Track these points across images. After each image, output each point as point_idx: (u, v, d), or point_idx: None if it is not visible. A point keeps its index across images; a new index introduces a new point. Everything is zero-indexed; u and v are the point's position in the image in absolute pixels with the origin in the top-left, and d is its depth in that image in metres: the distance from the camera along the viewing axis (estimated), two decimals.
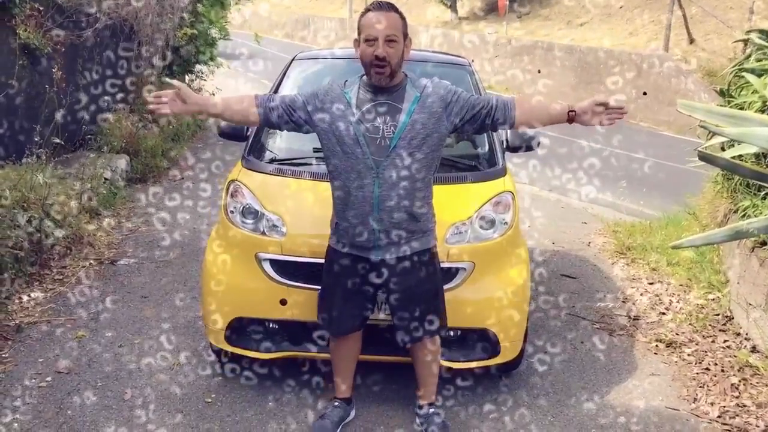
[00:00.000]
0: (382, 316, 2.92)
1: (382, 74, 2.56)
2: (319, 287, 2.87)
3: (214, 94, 10.10)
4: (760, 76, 4.19)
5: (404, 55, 2.61)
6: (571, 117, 2.58)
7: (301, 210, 3.14)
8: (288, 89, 3.84)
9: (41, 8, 5.72)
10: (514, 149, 3.68)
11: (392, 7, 2.59)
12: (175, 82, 2.60)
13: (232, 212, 3.19)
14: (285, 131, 2.87)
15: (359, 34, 2.60)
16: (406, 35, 2.61)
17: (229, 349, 3.15)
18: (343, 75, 2.73)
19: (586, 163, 8.64)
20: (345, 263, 2.72)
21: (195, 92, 2.64)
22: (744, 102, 4.38)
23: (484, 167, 3.47)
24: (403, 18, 2.60)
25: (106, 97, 7.21)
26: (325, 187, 2.84)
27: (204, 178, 7.17)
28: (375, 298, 2.80)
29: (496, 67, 17.11)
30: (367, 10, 2.60)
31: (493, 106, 2.63)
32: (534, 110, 2.64)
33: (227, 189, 3.30)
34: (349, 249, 2.70)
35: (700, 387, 3.41)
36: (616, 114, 2.55)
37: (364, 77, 2.68)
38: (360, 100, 2.63)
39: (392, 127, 2.58)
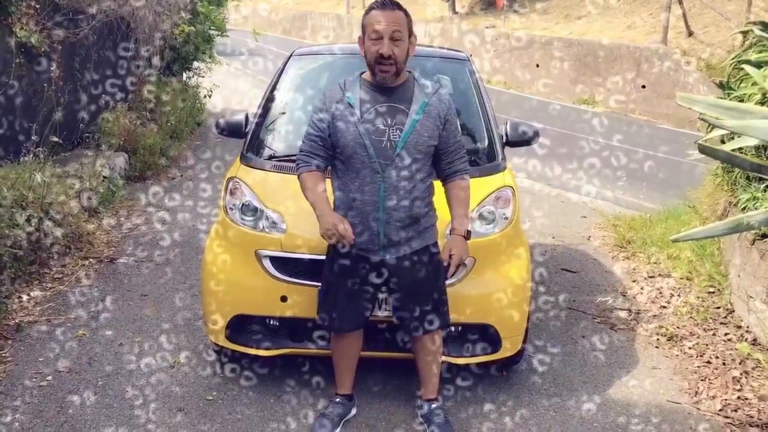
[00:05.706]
0: (383, 313, 2.91)
1: (388, 73, 2.54)
2: (319, 284, 2.86)
3: (211, 92, 10.08)
4: (760, 67, 4.17)
5: (409, 53, 2.60)
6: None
7: (301, 207, 3.11)
8: (286, 85, 3.82)
9: (38, 6, 5.69)
10: (514, 144, 3.66)
11: (396, 5, 2.56)
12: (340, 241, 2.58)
13: (231, 209, 3.18)
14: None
15: (363, 32, 2.58)
16: (411, 33, 2.59)
17: (230, 346, 3.14)
18: (342, 71, 2.73)
19: (585, 158, 8.63)
20: (346, 263, 2.70)
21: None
22: (744, 94, 4.35)
23: (483, 162, 3.46)
24: (408, 15, 2.58)
25: (104, 95, 7.19)
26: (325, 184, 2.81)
27: (203, 176, 7.16)
28: (376, 297, 2.80)
29: (496, 63, 17.07)
30: (371, 8, 2.57)
31: (449, 158, 2.71)
32: (451, 197, 2.75)
33: (226, 186, 3.29)
34: (349, 248, 2.68)
35: (702, 380, 3.40)
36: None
37: (365, 75, 2.66)
38: (363, 101, 2.60)
39: (398, 131, 2.57)
